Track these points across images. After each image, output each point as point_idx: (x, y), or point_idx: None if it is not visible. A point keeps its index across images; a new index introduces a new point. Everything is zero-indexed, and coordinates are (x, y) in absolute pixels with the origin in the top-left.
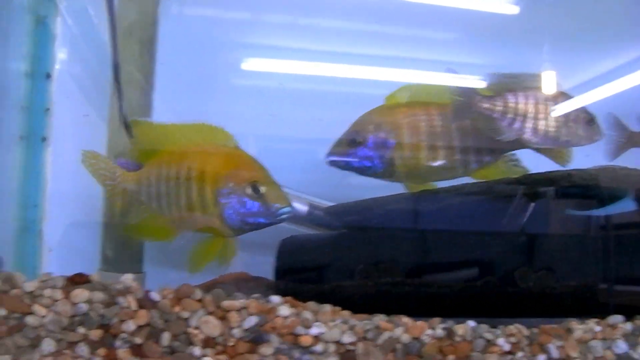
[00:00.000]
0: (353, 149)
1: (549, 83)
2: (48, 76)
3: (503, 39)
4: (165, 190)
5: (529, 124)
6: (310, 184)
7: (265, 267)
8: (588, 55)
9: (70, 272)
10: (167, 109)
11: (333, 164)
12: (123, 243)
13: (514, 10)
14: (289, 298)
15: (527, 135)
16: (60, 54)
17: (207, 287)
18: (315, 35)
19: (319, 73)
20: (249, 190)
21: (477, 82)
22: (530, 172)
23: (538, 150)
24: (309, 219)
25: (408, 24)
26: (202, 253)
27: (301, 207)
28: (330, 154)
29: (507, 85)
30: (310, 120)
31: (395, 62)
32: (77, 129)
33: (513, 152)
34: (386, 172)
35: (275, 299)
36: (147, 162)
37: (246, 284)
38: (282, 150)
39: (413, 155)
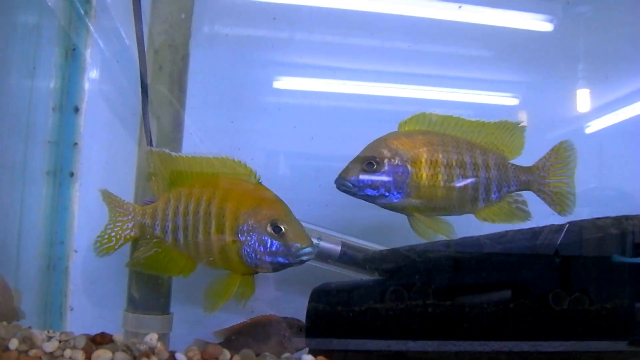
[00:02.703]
0: (369, 175)
1: None
2: (76, 110)
3: (538, 56)
4: (182, 224)
5: None
6: (339, 205)
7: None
8: (623, 72)
9: (96, 313)
10: (199, 128)
11: (344, 188)
12: (150, 283)
13: (548, 27)
14: (321, 357)
15: None
16: (91, 81)
17: (234, 331)
18: (349, 54)
19: (352, 91)
20: (269, 229)
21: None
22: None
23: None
24: (343, 259)
25: (442, 42)
26: (219, 291)
27: (334, 247)
28: (342, 178)
29: None
30: (342, 138)
31: (429, 80)
32: (105, 164)
33: (520, 192)
34: (400, 202)
35: (307, 358)
36: (164, 195)
37: (276, 327)
38: (313, 167)
39: (429, 187)
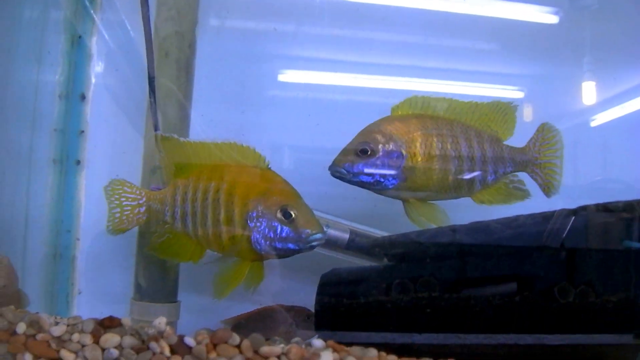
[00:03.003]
0: (363, 161)
1: None
2: (83, 97)
3: (543, 49)
4: (191, 211)
5: None
6: (342, 196)
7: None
8: (629, 65)
9: (102, 301)
10: (205, 121)
11: (338, 175)
12: (157, 271)
13: (554, 20)
14: (331, 342)
15: None
16: (96, 74)
17: (241, 320)
18: (353, 47)
19: (358, 84)
20: (279, 215)
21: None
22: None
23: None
24: (351, 246)
25: (447, 35)
26: (228, 278)
27: (342, 235)
28: (335, 164)
29: None
30: (347, 131)
31: (435, 73)
32: (112, 151)
33: (516, 172)
34: (395, 188)
35: (317, 343)
36: (173, 181)
37: (283, 316)
38: (319, 161)
39: (425, 171)
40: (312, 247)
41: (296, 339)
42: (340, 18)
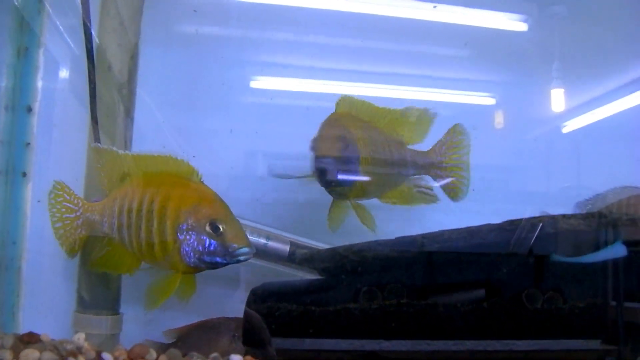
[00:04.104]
0: (331, 166)
1: None
2: (29, 109)
3: (513, 56)
4: (127, 222)
5: None
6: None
7: None
8: (598, 72)
9: (48, 314)
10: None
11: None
12: (99, 283)
13: (523, 27)
14: (248, 357)
15: None
16: (43, 86)
17: (184, 331)
18: (324, 54)
19: (328, 91)
20: (207, 228)
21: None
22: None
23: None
24: (292, 258)
25: (417, 42)
26: (160, 289)
27: (282, 247)
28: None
29: None
30: None
31: (405, 79)
32: (58, 163)
33: (420, 176)
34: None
35: (235, 357)
36: (111, 192)
37: (226, 327)
38: (291, 167)
39: (368, 171)
40: (239, 261)
41: (214, 354)
42: (311, 25)
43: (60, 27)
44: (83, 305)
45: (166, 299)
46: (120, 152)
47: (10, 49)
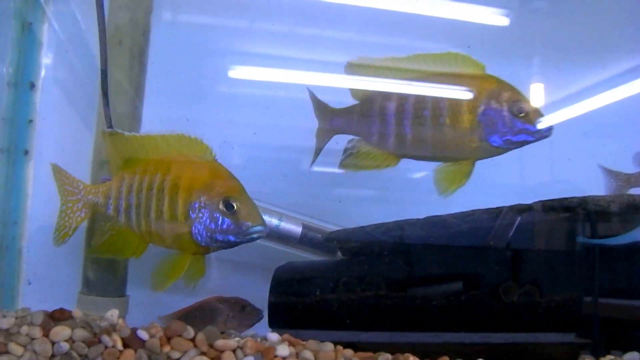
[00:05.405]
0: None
1: None
2: (32, 86)
3: (493, 50)
4: (135, 202)
5: None
6: (292, 194)
7: None
8: (578, 67)
9: (49, 295)
10: (157, 117)
11: None
12: (106, 265)
13: (504, 22)
14: (287, 335)
15: None
16: (46, 62)
17: (180, 315)
18: (306, 44)
19: (309, 82)
20: (221, 206)
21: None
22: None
23: None
24: (304, 240)
25: (397, 34)
26: (168, 271)
27: (295, 228)
28: None
29: None
30: (297, 129)
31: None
32: (61, 142)
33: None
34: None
35: (273, 336)
36: (119, 173)
37: (220, 308)
38: (267, 158)
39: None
40: (253, 240)
41: (252, 332)
42: (294, 15)
43: (66, 3)
44: (89, 286)
45: (174, 280)
46: (129, 134)
47: (14, 25)
